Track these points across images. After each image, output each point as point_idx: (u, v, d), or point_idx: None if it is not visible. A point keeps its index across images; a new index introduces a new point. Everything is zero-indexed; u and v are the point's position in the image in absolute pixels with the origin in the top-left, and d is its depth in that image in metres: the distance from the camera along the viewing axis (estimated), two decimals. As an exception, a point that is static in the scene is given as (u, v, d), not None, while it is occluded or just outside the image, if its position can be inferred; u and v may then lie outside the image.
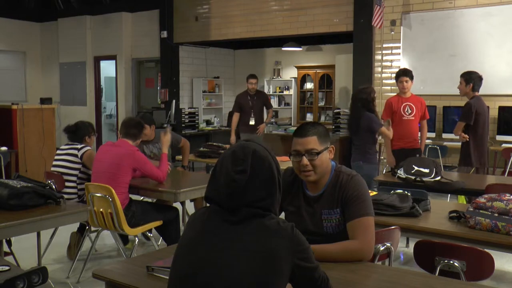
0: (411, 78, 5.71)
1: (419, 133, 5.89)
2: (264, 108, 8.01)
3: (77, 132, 4.70)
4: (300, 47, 10.59)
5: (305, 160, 2.34)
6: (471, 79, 5.38)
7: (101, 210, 3.99)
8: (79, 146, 4.57)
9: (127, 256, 4.24)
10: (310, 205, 2.44)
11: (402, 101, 5.70)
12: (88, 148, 4.58)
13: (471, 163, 5.39)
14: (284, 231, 1.65)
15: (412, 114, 5.67)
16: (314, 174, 2.37)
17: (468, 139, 5.37)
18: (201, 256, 1.64)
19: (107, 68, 11.53)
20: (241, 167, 1.67)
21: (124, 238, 4.63)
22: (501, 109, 6.83)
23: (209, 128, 10.60)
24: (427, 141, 7.11)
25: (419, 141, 5.82)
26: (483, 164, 5.47)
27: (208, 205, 1.77)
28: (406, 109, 5.66)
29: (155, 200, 4.79)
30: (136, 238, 4.12)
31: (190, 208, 5.30)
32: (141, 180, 4.36)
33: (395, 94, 6.00)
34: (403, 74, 5.75)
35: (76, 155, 4.53)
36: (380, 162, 5.69)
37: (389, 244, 2.62)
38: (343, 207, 2.37)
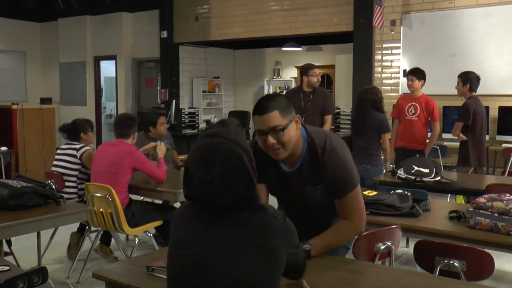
0: (419, 77, 5.61)
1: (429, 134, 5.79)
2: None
3: (73, 130, 4.68)
4: (300, 47, 10.59)
5: (271, 139, 2.14)
6: (468, 80, 5.36)
7: (101, 210, 3.99)
8: (77, 146, 4.55)
9: (127, 256, 4.24)
10: (290, 180, 2.33)
11: (409, 101, 5.67)
12: (87, 148, 4.57)
13: (469, 163, 5.39)
14: (278, 223, 1.64)
15: (415, 115, 5.61)
16: (284, 151, 2.18)
17: (466, 139, 5.36)
18: (192, 253, 1.62)
19: (107, 68, 11.53)
20: (210, 174, 1.61)
21: (107, 241, 4.61)
22: (501, 109, 6.83)
23: (209, 128, 10.61)
24: (427, 141, 7.11)
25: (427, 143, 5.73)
26: (482, 164, 5.47)
27: None
28: (410, 109, 5.63)
29: (161, 202, 4.76)
30: (136, 238, 4.12)
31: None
32: (141, 180, 4.36)
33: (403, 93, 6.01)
34: (409, 73, 5.72)
35: (75, 156, 4.52)
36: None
37: (390, 243, 2.62)
38: (324, 185, 2.27)
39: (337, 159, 2.22)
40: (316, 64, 11.52)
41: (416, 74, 5.61)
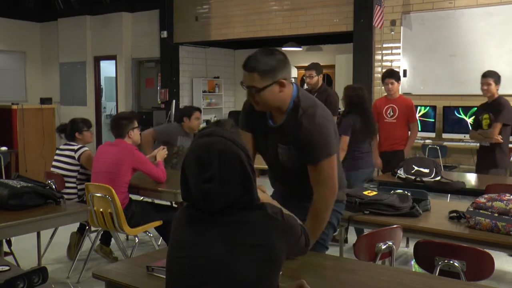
0: (397, 79, 5.39)
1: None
2: None
3: (69, 130, 4.67)
4: (300, 47, 10.59)
5: (248, 93, 2.30)
6: (499, 78, 5.07)
7: (101, 210, 3.99)
8: (75, 147, 4.54)
9: (127, 256, 4.24)
10: (270, 135, 2.41)
11: (387, 103, 5.41)
12: (86, 149, 4.55)
13: (507, 165, 5.03)
14: (277, 221, 1.64)
15: (394, 117, 5.33)
16: (260, 106, 2.31)
17: (502, 141, 4.93)
18: (191, 255, 1.62)
19: (107, 68, 11.53)
20: (208, 173, 1.60)
21: (107, 241, 4.60)
22: (501, 109, 6.82)
23: (209, 128, 10.58)
24: (427, 141, 7.11)
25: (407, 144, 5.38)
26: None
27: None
28: (388, 112, 5.35)
29: (169, 202, 4.74)
30: (136, 238, 4.12)
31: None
32: (141, 180, 4.36)
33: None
34: (388, 75, 5.41)
35: (73, 157, 4.50)
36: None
37: (391, 243, 2.62)
38: (296, 148, 2.32)
39: (313, 124, 2.26)
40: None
41: (395, 76, 5.38)
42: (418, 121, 7.22)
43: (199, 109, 5.75)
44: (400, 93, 6.56)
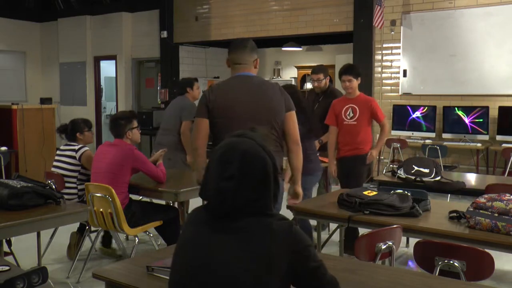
0: (356, 76, 4.76)
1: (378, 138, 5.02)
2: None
3: (70, 130, 4.67)
4: (300, 47, 10.59)
5: None
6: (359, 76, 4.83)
7: (101, 210, 3.99)
8: (76, 148, 4.54)
9: (127, 256, 4.24)
10: None
11: (346, 103, 4.81)
12: (86, 149, 4.55)
13: None
14: (282, 231, 1.59)
15: (354, 119, 4.75)
16: None
17: None
18: (197, 257, 1.61)
19: (107, 68, 11.53)
20: (228, 172, 1.58)
21: (107, 242, 4.60)
22: (501, 109, 6.83)
23: (209, 128, 10.56)
24: (427, 141, 7.11)
25: (372, 146, 4.92)
26: None
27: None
28: (348, 113, 4.77)
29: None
30: (136, 238, 4.12)
31: (192, 207, 5.29)
32: (141, 180, 4.36)
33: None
34: (345, 72, 4.78)
35: (74, 157, 4.50)
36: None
37: (391, 243, 2.62)
38: None
39: None
40: (316, 64, 11.50)
41: (353, 72, 4.77)
42: (422, 123, 7.26)
43: (197, 79, 5.94)
44: (400, 93, 6.54)
